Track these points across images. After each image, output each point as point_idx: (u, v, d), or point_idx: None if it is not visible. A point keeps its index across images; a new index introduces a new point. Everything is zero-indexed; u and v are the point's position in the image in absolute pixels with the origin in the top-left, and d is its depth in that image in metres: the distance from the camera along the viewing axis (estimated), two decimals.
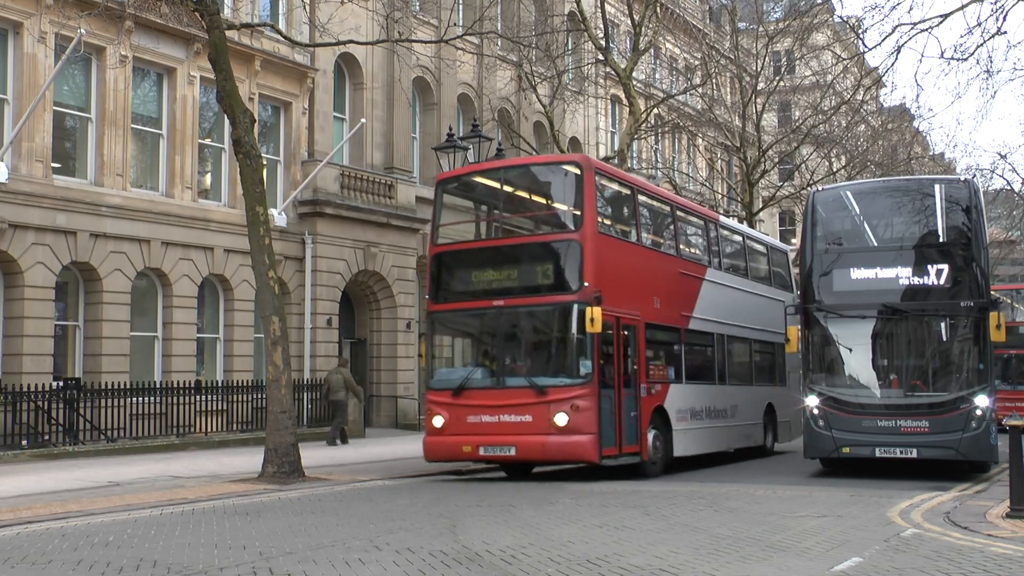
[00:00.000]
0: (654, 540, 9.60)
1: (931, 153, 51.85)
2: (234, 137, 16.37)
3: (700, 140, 43.95)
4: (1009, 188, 39.56)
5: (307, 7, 23.01)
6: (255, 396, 24.34)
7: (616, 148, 33.46)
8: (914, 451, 15.98)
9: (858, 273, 17.00)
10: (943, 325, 16.66)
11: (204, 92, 25.20)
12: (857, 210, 18.09)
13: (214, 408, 23.69)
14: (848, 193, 18.92)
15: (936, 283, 16.51)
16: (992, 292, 16.35)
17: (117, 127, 23.17)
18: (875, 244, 17.53)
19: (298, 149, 27.88)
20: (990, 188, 44.65)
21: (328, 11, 24.66)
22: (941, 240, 17.06)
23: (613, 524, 10.75)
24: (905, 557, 8.68)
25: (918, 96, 72.54)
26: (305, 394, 25.52)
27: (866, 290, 16.87)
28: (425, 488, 14.90)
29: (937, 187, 18.02)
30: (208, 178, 26.36)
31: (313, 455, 18.30)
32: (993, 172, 57.40)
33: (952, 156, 57.59)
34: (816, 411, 16.71)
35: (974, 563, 8.39)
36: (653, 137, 41.83)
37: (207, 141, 26.10)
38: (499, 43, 32.93)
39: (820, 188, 21.24)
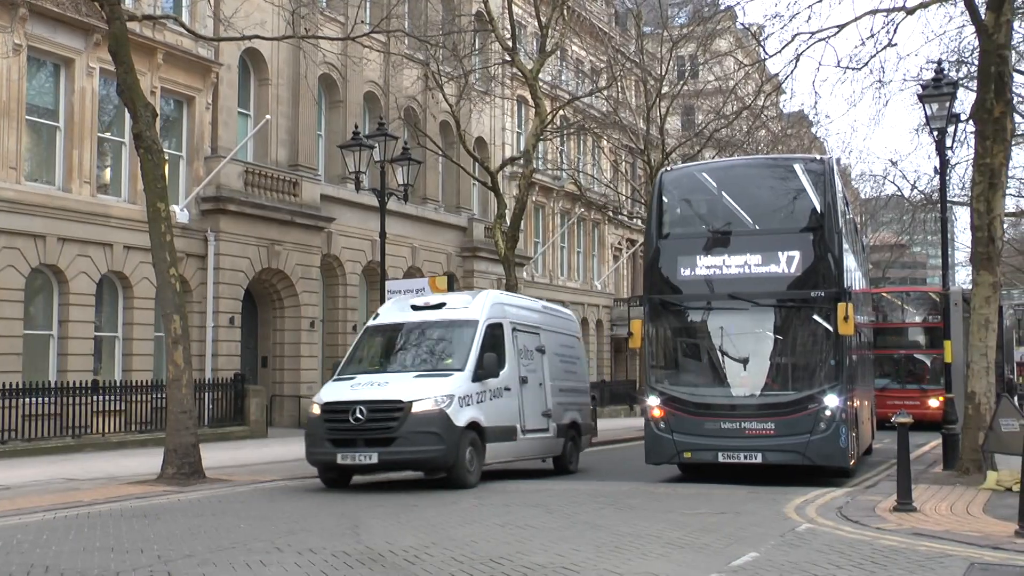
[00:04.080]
0: (556, 538, 9.71)
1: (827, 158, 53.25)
2: (135, 131, 16.05)
3: (605, 142, 44.44)
4: (900, 193, 40.84)
5: (211, 1, 22.64)
6: (155, 396, 23.82)
7: (522, 149, 33.63)
8: (759, 456, 14.86)
9: (704, 260, 15.72)
10: (792, 317, 15.48)
11: (104, 84, 24.59)
12: (708, 191, 16.80)
13: (112, 408, 23.11)
14: (699, 172, 17.78)
15: (786, 271, 15.25)
16: (847, 282, 15.36)
17: (11, 118, 22.45)
18: (724, 228, 16.02)
19: (201, 145, 27.40)
20: (883, 193, 46.08)
21: (233, 5, 24.31)
22: (793, 224, 15.70)
23: (516, 523, 10.84)
24: (799, 551, 8.95)
25: (816, 103, 74.73)
26: (206, 394, 25.08)
27: (712, 279, 15.68)
28: (327, 488, 14.82)
29: (795, 166, 16.75)
30: (108, 173, 25.75)
31: (214, 456, 18.02)
32: (885, 178, 59.21)
33: (847, 162, 59.16)
34: (657, 412, 15.62)
35: (863, 555, 8.69)
36: (559, 138, 42.18)
37: (107, 135, 25.47)
38: (406, 42, 32.80)
39: (670, 167, 20.43)
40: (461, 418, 14.22)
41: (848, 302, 14.75)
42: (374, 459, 13.89)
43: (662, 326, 16.02)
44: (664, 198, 16.52)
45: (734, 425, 15.11)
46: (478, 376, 14.77)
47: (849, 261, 16.28)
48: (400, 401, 14.00)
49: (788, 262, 15.26)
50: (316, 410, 14.65)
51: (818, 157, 17.40)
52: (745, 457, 14.92)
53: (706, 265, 15.73)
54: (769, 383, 15.44)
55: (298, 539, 9.67)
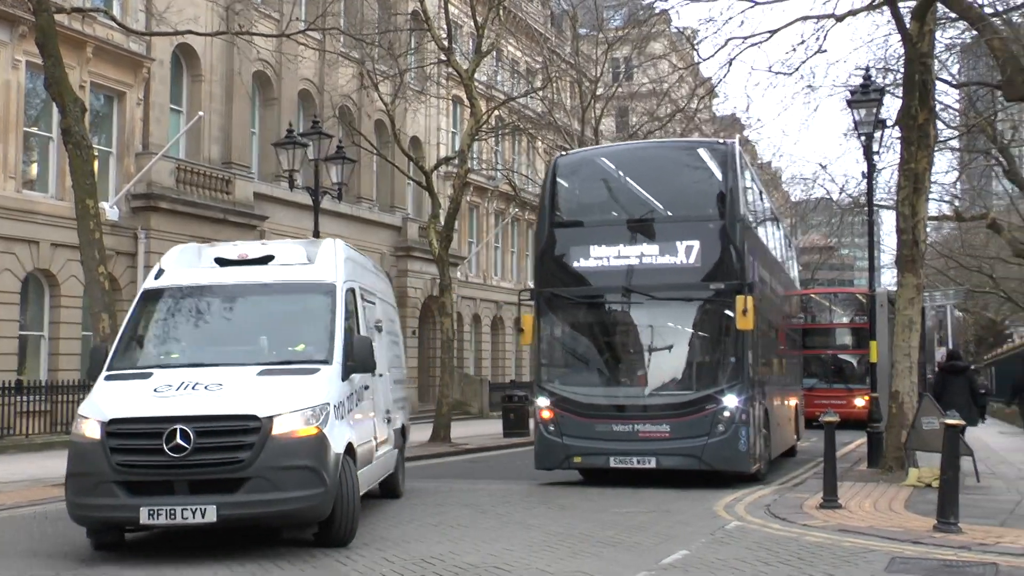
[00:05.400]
0: (488, 538, 9.76)
1: (759, 161, 54.04)
2: (63, 126, 15.75)
3: (540, 143, 44.57)
4: (829, 197, 41.58)
5: None
6: (82, 397, 23.31)
7: (457, 148, 33.62)
8: (653, 460, 13.89)
9: (598, 251, 14.69)
10: (691, 311, 14.62)
11: (31, 78, 24.07)
12: (604, 177, 15.88)
13: (37, 409, 22.63)
14: (596, 157, 16.91)
15: (685, 262, 14.29)
16: (751, 274, 14.48)
17: None
18: (619, 216, 15.20)
19: (132, 141, 26.96)
20: (812, 196, 46.84)
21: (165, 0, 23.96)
22: (694, 212, 14.81)
23: (448, 523, 10.87)
24: (728, 549, 9.10)
25: (748, 107, 75.32)
26: None
27: (606, 271, 14.71)
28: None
29: (699, 151, 16.02)
30: (34, 168, 25.22)
31: None
32: (815, 181, 60.19)
33: (778, 165, 60.13)
34: (546, 414, 14.54)
35: (790, 552, 8.87)
36: (494, 138, 42.21)
37: (34, 129, 24.95)
38: (342, 40, 32.58)
39: (565, 152, 19.34)
40: (339, 440, 9.30)
41: (748, 295, 13.71)
42: (210, 515, 8.52)
43: (553, 321, 15.05)
44: (558, 183, 15.43)
45: (627, 427, 14.10)
46: (347, 371, 9.84)
47: (756, 252, 15.49)
48: (254, 417, 8.74)
49: (687, 252, 14.31)
50: (90, 431, 8.88)
51: (721, 140, 16.25)
52: (638, 462, 13.97)
53: (600, 256, 14.72)
54: (665, 382, 14.59)
55: (229, 537, 9.58)
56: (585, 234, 15.00)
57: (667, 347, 14.80)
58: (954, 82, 29.43)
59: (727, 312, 13.99)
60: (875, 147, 18.99)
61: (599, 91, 36.24)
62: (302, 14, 29.40)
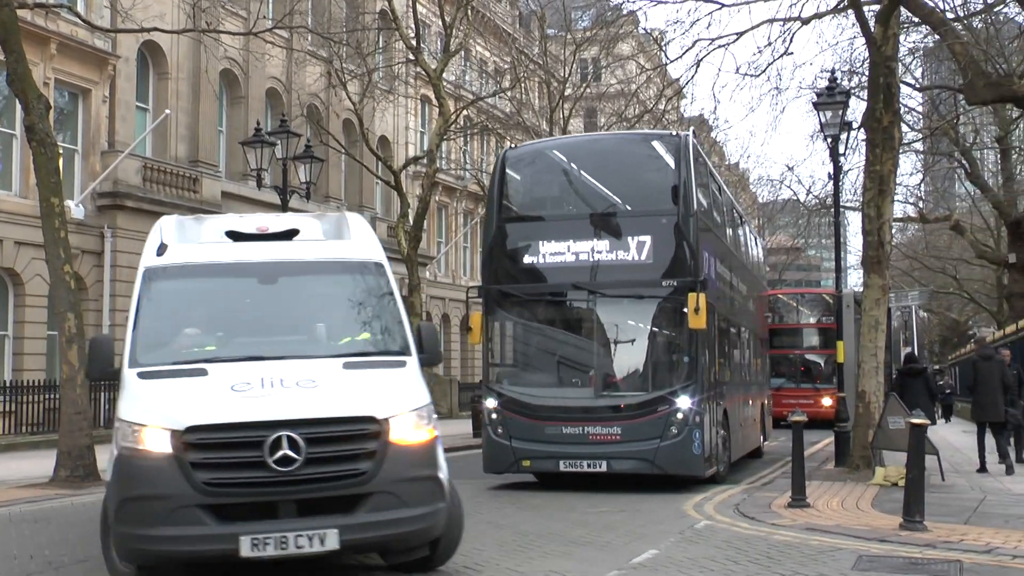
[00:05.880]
0: None
1: (727, 163, 54.37)
2: (27, 123, 15.57)
3: (508, 142, 44.64)
4: (796, 198, 41.91)
5: None
6: (47, 396, 23.13)
7: (425, 148, 33.58)
8: (604, 464, 13.48)
9: (548, 246, 14.24)
10: (643, 310, 14.16)
11: None
12: (554, 170, 15.53)
13: (1, 410, 22.39)
14: (547, 150, 16.53)
15: (637, 258, 13.85)
16: (705, 270, 14.08)
17: None
18: (570, 211, 14.93)
19: (98, 139, 26.71)
20: (779, 198, 47.19)
21: None
22: (646, 206, 14.37)
23: None
24: (698, 548, 9.15)
25: (716, 108, 75.63)
26: (102, 394, 24.46)
27: (556, 267, 14.24)
28: None
29: (652, 143, 15.44)
30: None
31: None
32: (782, 183, 60.69)
33: (746, 166, 60.53)
34: (495, 416, 14.11)
35: (759, 551, 8.93)
36: (462, 138, 42.23)
37: None
38: (309, 38, 32.49)
39: (514, 145, 19.06)
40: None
41: (701, 292, 13.24)
42: (331, 542, 6.89)
43: (501, 319, 14.60)
44: (508, 176, 15.00)
45: (577, 430, 13.59)
46: (421, 364, 8.29)
47: (711, 248, 15.13)
48: (372, 419, 7.18)
49: (639, 247, 13.85)
50: (155, 442, 6.94)
51: (674, 133, 15.74)
52: (588, 465, 13.54)
53: (550, 251, 14.24)
54: (616, 383, 14.16)
55: None
56: (535, 229, 14.55)
57: (619, 346, 14.33)
58: (918, 85, 29.84)
59: (681, 310, 13.53)
60: (841, 149, 19.16)
61: (567, 91, 36.35)
62: (269, 12, 29.28)
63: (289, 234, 8.85)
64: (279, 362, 7.71)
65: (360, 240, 9.03)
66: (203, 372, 7.54)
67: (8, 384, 23.08)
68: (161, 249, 8.72)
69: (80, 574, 8.03)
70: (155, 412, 7.08)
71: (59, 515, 11.75)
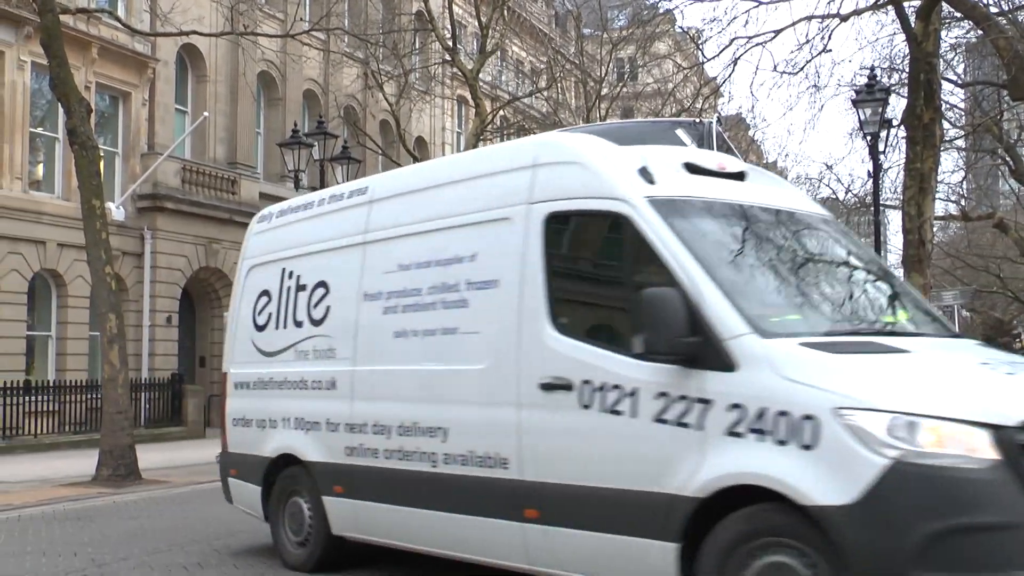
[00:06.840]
0: None
1: (764, 161, 54.05)
2: (69, 127, 15.80)
3: None
4: (835, 196, 41.55)
5: None
6: (90, 396, 23.44)
7: (462, 149, 33.66)
8: None
9: None
10: None
11: (36, 78, 24.14)
12: None
13: (45, 409, 22.70)
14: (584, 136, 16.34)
15: None
16: None
17: None
18: None
19: (137, 141, 27.03)
20: (818, 196, 46.80)
21: (170, 0, 24.01)
22: None
23: None
24: None
25: (753, 106, 75.07)
26: (143, 394, 24.76)
27: None
28: None
29: (677, 131, 15.24)
30: (40, 168, 25.30)
31: (151, 457, 17.78)
32: (820, 181, 60.18)
33: (784, 164, 60.12)
34: None
35: None
36: (499, 138, 42.23)
37: (39, 130, 25.03)
38: (346, 40, 32.67)
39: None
40: None
41: None
42: None
43: None
44: None
45: None
46: None
47: None
48: None
49: None
50: (980, 446, 4.61)
51: (699, 120, 16.04)
52: None
53: None
54: None
55: (237, 540, 9.60)
56: None
57: None
58: (959, 82, 29.46)
59: None
60: (881, 147, 18.96)
61: (604, 91, 36.24)
62: (306, 14, 29.46)
63: (742, 175, 7.20)
64: (939, 340, 6.07)
65: (797, 192, 7.72)
66: (891, 349, 5.40)
67: (52, 384, 23.41)
68: (647, 175, 6.37)
69: (123, 572, 8.12)
70: (930, 401, 4.77)
71: (101, 514, 11.90)
